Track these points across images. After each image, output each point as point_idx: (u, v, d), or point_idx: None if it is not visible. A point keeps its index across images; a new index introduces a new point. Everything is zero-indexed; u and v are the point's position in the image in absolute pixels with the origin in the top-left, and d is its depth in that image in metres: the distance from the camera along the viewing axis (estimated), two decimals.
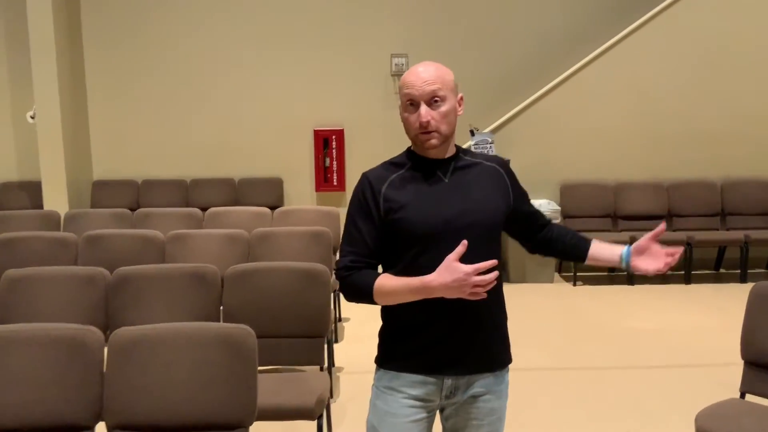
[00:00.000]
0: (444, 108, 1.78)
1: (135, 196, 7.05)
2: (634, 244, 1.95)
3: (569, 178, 6.66)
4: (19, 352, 2.25)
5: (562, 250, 2.05)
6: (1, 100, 7.11)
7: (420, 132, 1.78)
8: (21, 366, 2.24)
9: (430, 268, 1.71)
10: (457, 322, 1.80)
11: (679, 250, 1.91)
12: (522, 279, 6.31)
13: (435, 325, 1.80)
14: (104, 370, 2.28)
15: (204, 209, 5.22)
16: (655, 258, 1.92)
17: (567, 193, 6.60)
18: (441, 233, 1.77)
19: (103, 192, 7.04)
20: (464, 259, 1.70)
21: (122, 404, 2.24)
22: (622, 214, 6.58)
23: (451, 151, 1.87)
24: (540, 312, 5.45)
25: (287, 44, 6.93)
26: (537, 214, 2.07)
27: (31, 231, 4.46)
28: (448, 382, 1.82)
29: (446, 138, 1.82)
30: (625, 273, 6.22)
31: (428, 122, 1.76)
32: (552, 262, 6.31)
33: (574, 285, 6.21)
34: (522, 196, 2.00)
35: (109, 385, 2.26)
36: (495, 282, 1.66)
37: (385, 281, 1.77)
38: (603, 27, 6.86)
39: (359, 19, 6.96)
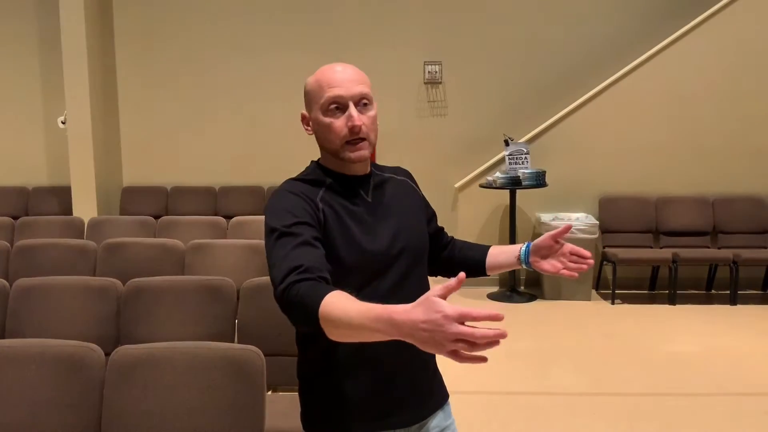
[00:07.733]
0: (372, 113, 1.54)
1: (164, 203, 6.99)
2: (534, 242, 1.71)
3: (608, 191, 6.38)
4: (13, 369, 2.12)
5: (464, 268, 1.79)
6: (33, 105, 7.13)
7: (349, 139, 1.51)
8: (14, 385, 2.10)
9: None
10: (404, 359, 1.52)
11: (587, 256, 1.68)
12: (557, 296, 6.05)
13: (380, 365, 1.50)
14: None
15: (233, 217, 5.10)
16: (558, 259, 1.70)
17: (606, 207, 6.32)
18: (372, 265, 1.50)
19: (133, 198, 7.00)
20: (395, 288, 1.49)
21: (121, 430, 2.09)
22: (665, 230, 6.28)
23: (368, 167, 1.62)
24: (575, 332, 5.19)
25: (318, 51, 6.80)
26: (442, 231, 1.83)
27: (53, 238, 4.37)
28: None
29: (373, 149, 1.57)
30: (667, 292, 5.95)
31: (360, 126, 1.50)
32: (589, 278, 6.05)
33: (613, 303, 5.94)
34: (432, 213, 1.79)
35: (107, 408, 2.12)
36: (497, 344, 1.06)
37: (337, 300, 1.21)
38: (644, 35, 6.60)
39: (391, 25, 6.80)
